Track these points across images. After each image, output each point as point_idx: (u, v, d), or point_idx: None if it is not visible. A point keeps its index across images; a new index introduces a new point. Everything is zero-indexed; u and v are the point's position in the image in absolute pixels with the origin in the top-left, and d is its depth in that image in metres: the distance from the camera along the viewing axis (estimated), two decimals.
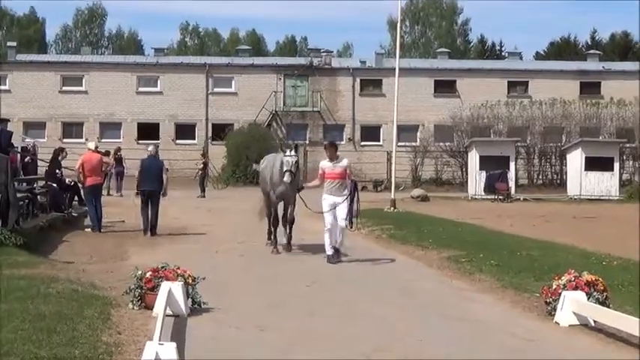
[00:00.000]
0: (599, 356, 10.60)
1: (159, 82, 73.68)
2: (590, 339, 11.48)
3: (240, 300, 14.02)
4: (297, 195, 20.85)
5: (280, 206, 21.52)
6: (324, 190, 19.48)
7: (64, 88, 72.63)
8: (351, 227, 19.73)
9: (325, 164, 19.63)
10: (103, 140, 63.98)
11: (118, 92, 72.16)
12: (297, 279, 16.56)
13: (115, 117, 72.35)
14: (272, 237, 21.38)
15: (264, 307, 13.44)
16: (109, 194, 43.75)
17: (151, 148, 26.89)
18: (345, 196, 19.21)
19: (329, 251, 19.13)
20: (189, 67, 75.04)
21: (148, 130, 71.07)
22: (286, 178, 19.97)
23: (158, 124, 72.67)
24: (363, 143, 73.10)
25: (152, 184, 25.27)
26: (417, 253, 20.70)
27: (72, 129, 71.40)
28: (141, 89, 73.34)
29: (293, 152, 20.52)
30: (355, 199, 19.54)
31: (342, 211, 19.10)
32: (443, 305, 13.81)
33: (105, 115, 72.16)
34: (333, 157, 19.54)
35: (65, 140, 65.80)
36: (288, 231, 21.08)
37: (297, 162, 20.44)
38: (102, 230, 25.36)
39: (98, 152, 27.81)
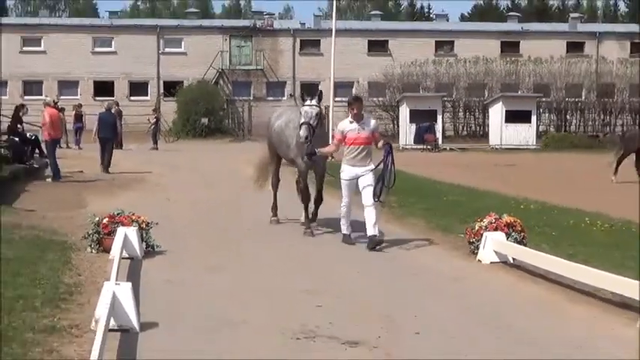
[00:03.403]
0: (517, 290, 10.74)
1: (113, 42, 72.75)
2: (509, 275, 11.62)
3: (191, 243, 14.01)
4: (309, 159, 15.19)
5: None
6: (343, 160, 14.35)
7: (24, 49, 71.48)
8: (380, 199, 14.00)
9: (346, 126, 14.17)
10: (61, 97, 63.21)
11: (75, 52, 71.20)
12: (242, 225, 16.57)
13: (73, 75, 71.43)
14: (304, 214, 15.74)
15: (212, 250, 13.45)
16: (67, 147, 43.36)
17: (106, 103, 32.20)
18: (371, 168, 14.06)
19: (345, 230, 14.33)
20: (142, 29, 74.13)
21: (103, 88, 70.23)
22: (302, 131, 14.55)
23: (113, 82, 71.83)
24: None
25: (106, 132, 29.74)
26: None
27: (32, 87, 70.38)
28: (96, 49, 72.41)
29: (314, 101, 15.03)
30: (390, 165, 13.96)
31: (369, 189, 13.84)
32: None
33: (63, 73, 71.21)
34: (359, 117, 14.19)
35: (26, 97, 64.82)
36: (313, 208, 15.94)
37: (318, 114, 14.97)
38: (61, 180, 25.11)
39: (55, 108, 27.68)
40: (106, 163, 28.75)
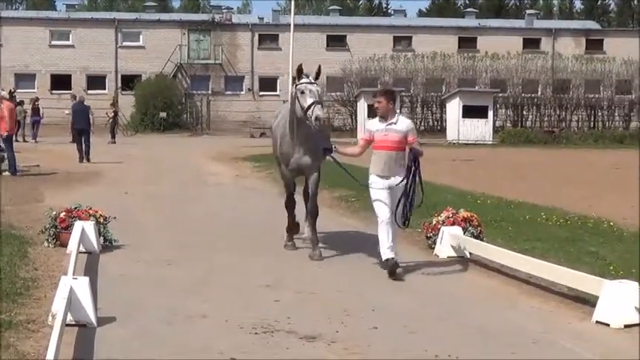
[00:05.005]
0: (474, 284, 10.78)
1: (71, 36, 72.38)
2: (466, 270, 11.66)
3: (149, 238, 13.93)
4: (331, 158, 11.95)
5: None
6: (370, 168, 11.34)
7: None
8: (404, 225, 11.37)
9: (374, 125, 11.41)
10: (18, 90, 62.70)
11: (32, 45, 70.74)
12: (201, 218, 16.51)
13: (30, 69, 70.98)
14: (288, 226, 13.26)
15: (171, 243, 13.37)
16: (24, 141, 42.99)
17: (78, 96, 34.39)
18: (403, 177, 11.06)
19: (386, 254, 11.04)
20: (100, 22, 73.73)
21: (61, 81, 70.01)
22: (318, 111, 11.52)
23: (70, 75, 71.48)
24: (261, 93, 72.90)
25: (82, 123, 30.90)
26: None
27: None
28: (54, 42, 71.98)
29: (312, 78, 12.12)
30: (413, 180, 11.16)
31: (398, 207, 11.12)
32: (333, 241, 13.78)
33: (20, 66, 70.71)
34: (388, 114, 11.26)
35: None
36: (309, 225, 12.97)
37: (321, 93, 11.92)
38: (18, 174, 24.86)
39: (12, 100, 27.44)
40: (85, 153, 30.13)
